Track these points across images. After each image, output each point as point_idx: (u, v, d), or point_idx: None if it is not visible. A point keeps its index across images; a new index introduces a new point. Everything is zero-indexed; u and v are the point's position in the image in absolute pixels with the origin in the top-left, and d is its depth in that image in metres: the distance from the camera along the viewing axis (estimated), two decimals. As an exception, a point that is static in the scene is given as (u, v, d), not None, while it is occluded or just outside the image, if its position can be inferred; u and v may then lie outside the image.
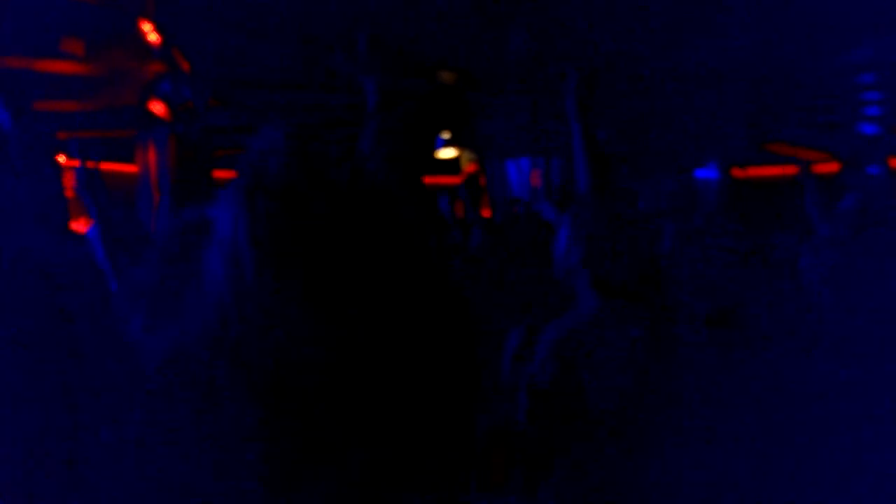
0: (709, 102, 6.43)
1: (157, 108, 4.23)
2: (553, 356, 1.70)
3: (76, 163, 2.55)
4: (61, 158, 2.37)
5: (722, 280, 2.35)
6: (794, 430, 1.90)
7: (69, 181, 2.43)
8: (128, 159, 4.79)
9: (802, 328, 2.23)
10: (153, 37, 4.45)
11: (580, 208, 1.86)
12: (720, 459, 1.69)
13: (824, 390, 2.02)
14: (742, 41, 5.38)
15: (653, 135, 6.62)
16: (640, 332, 1.69)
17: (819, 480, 1.86)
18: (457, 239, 4.06)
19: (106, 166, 5.16)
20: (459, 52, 5.49)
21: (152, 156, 4.39)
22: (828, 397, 2.00)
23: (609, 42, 5.26)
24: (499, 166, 6.70)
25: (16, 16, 4.26)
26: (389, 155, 1.52)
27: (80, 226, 2.50)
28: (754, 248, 2.59)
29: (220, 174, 4.91)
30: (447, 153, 6.32)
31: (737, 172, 5.74)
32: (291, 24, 4.75)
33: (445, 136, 6.15)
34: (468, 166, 6.40)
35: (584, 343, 1.70)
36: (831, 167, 7.10)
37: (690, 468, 1.62)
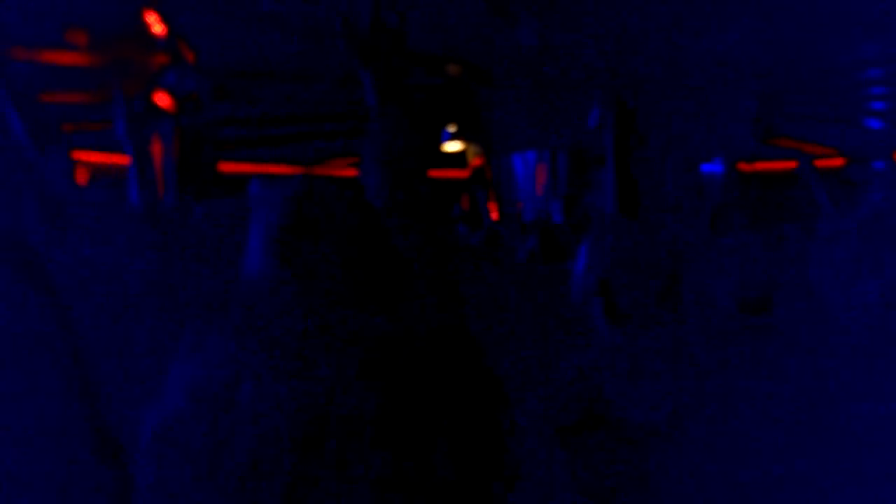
0: (714, 97, 6.41)
1: (162, 99, 4.22)
2: (571, 390, 1.67)
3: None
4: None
5: (743, 273, 2.33)
6: (802, 431, 1.88)
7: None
8: (132, 151, 4.77)
9: (811, 324, 2.22)
10: (158, 28, 4.43)
11: (603, 231, 1.83)
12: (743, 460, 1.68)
13: (833, 389, 2.00)
14: (748, 35, 5.36)
15: (658, 130, 6.60)
16: (664, 355, 1.66)
17: (831, 482, 1.84)
18: (463, 234, 4.04)
19: (112, 159, 5.16)
20: (466, 45, 5.47)
21: (157, 148, 4.37)
22: (837, 396, 1.98)
23: (614, 37, 5.24)
24: (505, 160, 6.69)
25: (20, 5, 4.25)
26: (387, 159, 1.45)
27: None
28: (762, 242, 2.57)
29: (225, 166, 4.89)
30: (453, 146, 6.31)
31: (743, 167, 5.73)
32: (297, 15, 4.73)
33: (451, 129, 6.13)
34: (474, 160, 6.38)
35: (603, 372, 1.68)
36: (837, 162, 7.09)
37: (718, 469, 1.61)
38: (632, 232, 1.80)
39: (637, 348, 1.69)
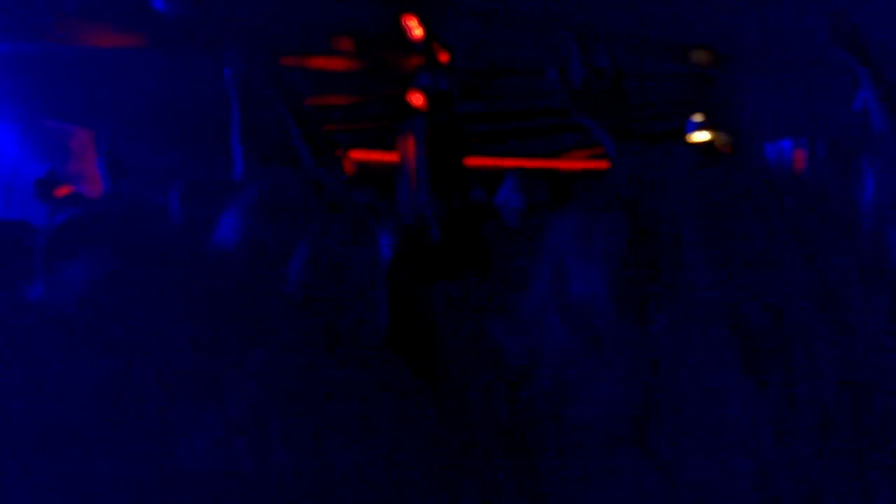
0: None
1: (417, 99, 4.46)
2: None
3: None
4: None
5: None
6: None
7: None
8: (388, 148, 5.10)
9: None
10: (417, 32, 4.65)
11: (883, 150, 1.71)
12: None
13: None
14: None
15: None
16: None
17: None
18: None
19: (369, 156, 5.52)
20: (714, 30, 5.30)
21: (411, 145, 4.64)
22: None
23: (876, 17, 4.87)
24: (757, 150, 6.38)
25: (291, 16, 4.65)
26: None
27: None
28: None
29: (472, 161, 5.09)
30: (701, 137, 6.11)
31: None
32: (543, 13, 4.82)
33: (698, 118, 5.95)
34: (723, 150, 6.15)
35: None
36: None
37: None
38: None
39: None
